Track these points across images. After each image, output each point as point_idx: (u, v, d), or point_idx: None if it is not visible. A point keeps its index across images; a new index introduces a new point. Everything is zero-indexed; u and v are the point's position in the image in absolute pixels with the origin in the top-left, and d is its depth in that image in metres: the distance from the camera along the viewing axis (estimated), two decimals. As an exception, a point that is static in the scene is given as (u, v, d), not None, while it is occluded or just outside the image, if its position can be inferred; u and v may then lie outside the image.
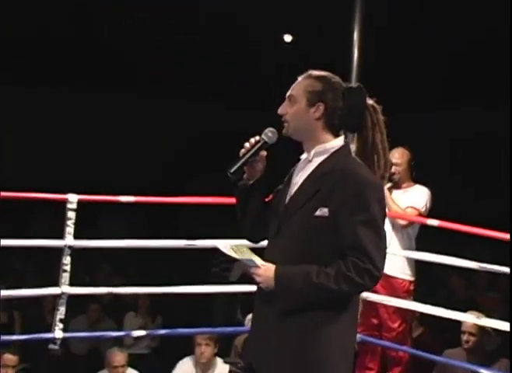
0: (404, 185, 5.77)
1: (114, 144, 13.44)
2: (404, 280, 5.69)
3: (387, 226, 5.65)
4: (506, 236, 4.87)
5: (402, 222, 5.63)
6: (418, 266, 5.77)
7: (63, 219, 5.01)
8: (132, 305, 7.97)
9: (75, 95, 13.13)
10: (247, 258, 2.89)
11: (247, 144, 2.96)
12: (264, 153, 2.98)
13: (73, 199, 5.01)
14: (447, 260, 5.22)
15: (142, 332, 5.86)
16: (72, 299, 5.15)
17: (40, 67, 12.09)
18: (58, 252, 5.04)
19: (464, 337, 5.52)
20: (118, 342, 7.12)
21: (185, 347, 6.70)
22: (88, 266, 9.04)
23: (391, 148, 5.64)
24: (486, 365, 5.33)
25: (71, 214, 5.01)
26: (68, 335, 5.27)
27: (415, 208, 5.67)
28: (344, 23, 6.37)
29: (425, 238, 5.83)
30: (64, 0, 10.87)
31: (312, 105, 2.88)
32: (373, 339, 5.69)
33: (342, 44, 6.39)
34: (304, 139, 2.94)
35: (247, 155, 2.95)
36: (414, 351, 5.65)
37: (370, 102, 2.94)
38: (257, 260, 2.88)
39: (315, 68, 2.99)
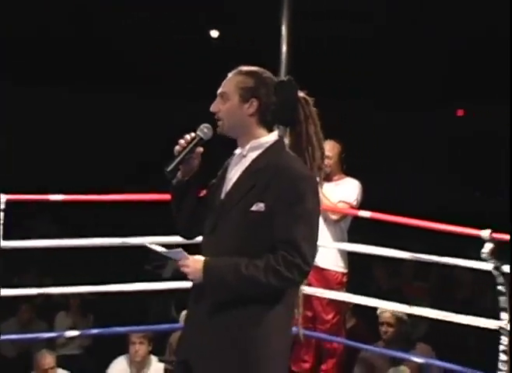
0: (335, 178, 5.79)
1: (113, 143, 13.29)
2: (336, 272, 5.72)
3: (319, 220, 5.67)
4: (439, 226, 4.94)
5: (334, 217, 5.65)
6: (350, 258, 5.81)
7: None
8: (63, 304, 7.86)
9: (74, 95, 12.96)
10: (174, 250, 2.86)
11: (181, 141, 2.93)
12: (200, 149, 2.95)
13: (1, 199, 4.90)
14: (377, 251, 5.26)
15: (74, 333, 5.78)
16: (2, 301, 5.05)
17: (39, 67, 11.88)
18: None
19: (383, 328, 5.59)
20: (50, 343, 7.02)
21: (119, 346, 6.64)
22: (16, 267, 8.86)
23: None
24: (405, 351, 5.44)
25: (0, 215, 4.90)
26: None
27: (346, 202, 5.70)
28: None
29: (360, 230, 5.88)
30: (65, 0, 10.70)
31: (245, 101, 2.88)
32: (308, 331, 5.71)
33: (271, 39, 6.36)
34: (239, 135, 2.93)
35: (184, 153, 2.91)
36: (348, 342, 5.69)
37: (302, 94, 2.95)
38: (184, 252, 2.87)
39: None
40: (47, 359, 5.99)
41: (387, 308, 5.41)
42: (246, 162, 2.90)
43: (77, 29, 11.30)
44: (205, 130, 2.94)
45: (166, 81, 12.66)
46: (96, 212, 9.17)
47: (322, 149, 2.94)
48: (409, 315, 5.51)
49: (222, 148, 3.09)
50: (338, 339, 5.68)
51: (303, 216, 2.76)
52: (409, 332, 5.83)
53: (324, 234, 5.65)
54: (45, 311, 7.92)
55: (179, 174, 2.97)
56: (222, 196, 2.91)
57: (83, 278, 7.46)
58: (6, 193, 4.93)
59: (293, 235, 2.74)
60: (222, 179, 2.97)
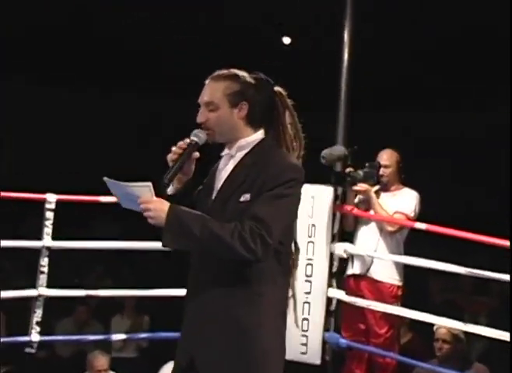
0: (392, 188, 5.66)
1: (116, 143, 13.36)
2: (391, 285, 5.57)
3: (375, 230, 5.55)
4: (498, 242, 4.78)
5: (390, 228, 5.52)
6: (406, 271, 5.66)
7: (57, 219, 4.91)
8: (119, 306, 7.86)
9: (73, 95, 13.07)
10: (141, 184, 2.74)
11: (174, 148, 2.88)
12: (196, 154, 2.91)
13: (51, 199, 4.92)
14: (434, 265, 5.12)
15: (122, 336, 5.76)
16: (60, 301, 5.07)
17: (40, 67, 12.03)
18: (52, 253, 4.93)
19: (438, 345, 5.41)
20: (105, 345, 7.02)
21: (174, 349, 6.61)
22: (78, 267, 8.95)
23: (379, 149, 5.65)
24: (460, 370, 5.27)
25: (50, 215, 4.93)
26: (45, 338, 5.18)
27: (403, 213, 5.55)
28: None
29: (415, 242, 5.73)
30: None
31: (235, 106, 2.87)
32: (360, 344, 5.58)
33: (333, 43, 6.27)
34: (229, 139, 2.91)
35: (181, 159, 2.86)
36: (401, 358, 5.53)
37: (277, 88, 2.95)
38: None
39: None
40: (101, 361, 5.98)
41: (441, 324, 5.23)
42: (235, 161, 2.90)
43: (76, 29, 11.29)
44: (199, 134, 2.88)
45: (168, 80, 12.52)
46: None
47: (300, 139, 2.93)
48: (466, 333, 5.32)
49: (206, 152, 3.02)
50: (391, 354, 5.53)
51: (276, 197, 2.74)
52: (466, 350, 5.62)
53: (379, 245, 5.54)
54: (102, 313, 7.92)
55: (174, 182, 2.91)
56: (214, 195, 2.89)
57: (140, 281, 7.50)
58: (57, 193, 4.95)
59: (262, 213, 2.72)
60: (213, 181, 2.94)
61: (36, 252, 5.40)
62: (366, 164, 5.53)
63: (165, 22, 11.26)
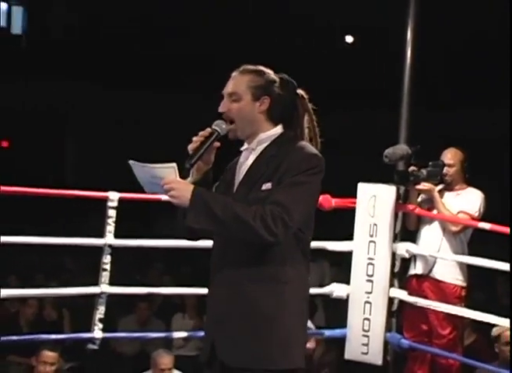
0: (456, 187, 5.57)
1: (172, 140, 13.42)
2: (455, 285, 5.49)
3: (438, 230, 5.48)
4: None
5: (454, 228, 5.43)
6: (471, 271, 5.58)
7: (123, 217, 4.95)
8: (180, 305, 7.89)
9: (135, 94, 13.16)
10: (166, 165, 2.79)
11: (196, 138, 2.94)
12: (217, 144, 2.97)
13: (114, 197, 4.96)
14: (498, 265, 5.04)
15: (183, 334, 5.78)
16: (123, 298, 5.09)
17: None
18: (115, 250, 4.97)
19: (507, 348, 5.29)
20: (166, 343, 7.05)
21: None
22: (140, 264, 9.02)
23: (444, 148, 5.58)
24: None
25: (112, 213, 4.97)
26: (108, 335, 5.21)
27: (467, 213, 5.46)
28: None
29: (481, 241, 5.65)
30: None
31: (257, 99, 2.94)
32: (423, 345, 5.52)
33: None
34: (249, 133, 2.97)
35: (204, 147, 2.90)
36: (464, 359, 5.45)
37: (299, 91, 3.02)
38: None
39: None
40: (165, 359, 6.01)
41: (506, 325, 5.13)
42: (255, 154, 2.96)
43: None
44: (221, 125, 2.94)
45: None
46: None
47: (317, 143, 2.99)
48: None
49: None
50: (454, 355, 5.45)
51: (298, 186, 2.81)
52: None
53: (442, 245, 5.47)
54: (163, 311, 7.96)
55: (193, 171, 2.97)
56: (235, 188, 2.94)
57: (199, 279, 7.50)
58: (119, 191, 4.99)
59: (282, 198, 2.79)
60: (233, 175, 2.99)
61: (98, 250, 5.47)
62: (430, 163, 5.46)
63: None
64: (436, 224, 5.51)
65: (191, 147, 2.92)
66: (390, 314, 5.49)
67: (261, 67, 2.99)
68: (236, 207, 2.77)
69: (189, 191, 2.80)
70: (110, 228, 4.96)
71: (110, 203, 4.95)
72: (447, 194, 5.55)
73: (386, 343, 5.47)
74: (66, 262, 9.37)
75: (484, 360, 5.44)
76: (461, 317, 5.44)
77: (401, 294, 5.49)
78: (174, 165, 2.81)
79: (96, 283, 5.04)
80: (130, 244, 5.12)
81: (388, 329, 5.49)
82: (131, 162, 2.87)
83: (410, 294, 5.50)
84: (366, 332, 5.46)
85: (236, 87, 2.95)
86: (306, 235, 2.91)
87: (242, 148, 3.03)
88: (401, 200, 5.51)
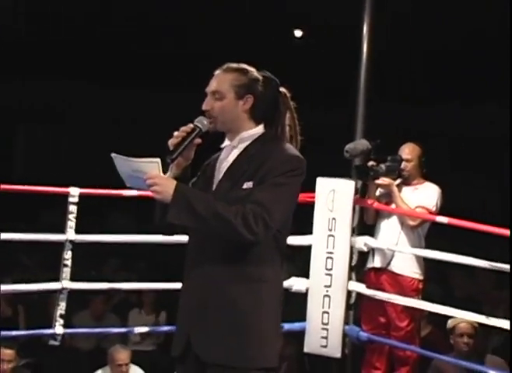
0: (414, 182, 5.66)
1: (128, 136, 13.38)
2: (412, 278, 5.57)
3: (396, 224, 5.56)
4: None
5: (412, 222, 5.52)
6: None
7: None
8: (136, 301, 7.88)
9: (81, 89, 13.09)
10: (150, 160, 2.79)
11: (177, 133, 2.94)
12: (198, 140, 2.97)
13: (75, 192, 4.95)
14: (455, 258, 5.13)
15: (145, 329, 5.78)
16: (76, 294, 5.09)
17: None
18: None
19: (464, 339, 5.41)
20: (123, 339, 7.04)
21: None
22: (94, 260, 8.96)
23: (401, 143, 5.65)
24: (479, 363, 5.30)
25: (73, 208, 4.95)
26: (68, 331, 5.20)
27: (424, 208, 5.55)
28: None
29: (433, 235, 5.74)
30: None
31: (240, 98, 2.94)
32: (381, 338, 5.59)
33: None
34: (230, 130, 2.98)
35: (185, 143, 2.91)
36: (421, 351, 5.55)
37: (282, 89, 3.03)
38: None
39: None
40: (122, 355, 6.01)
41: (463, 317, 5.24)
42: (237, 152, 2.97)
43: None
44: (203, 121, 2.95)
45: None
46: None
47: (297, 142, 3.00)
48: (481, 326, 5.34)
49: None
50: (412, 347, 5.54)
51: (278, 187, 2.82)
52: (483, 343, 5.64)
53: (400, 239, 5.55)
54: (119, 306, 7.94)
55: (173, 167, 2.97)
56: (214, 186, 2.96)
57: (157, 274, 7.50)
58: (79, 187, 4.97)
59: (263, 198, 2.80)
60: (212, 171, 3.00)
61: (51, 246, 5.43)
62: (388, 158, 5.53)
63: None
64: (394, 219, 5.59)
65: (171, 142, 2.92)
66: (348, 307, 5.56)
67: (245, 66, 3.00)
68: (217, 204, 2.78)
69: (172, 187, 2.80)
70: (71, 223, 4.95)
71: (71, 199, 4.94)
72: (404, 189, 5.63)
73: (344, 336, 5.54)
74: (22, 258, 9.27)
75: (439, 352, 5.54)
76: (419, 309, 5.53)
77: (359, 288, 5.56)
78: (158, 160, 2.81)
79: (52, 278, 5.04)
80: (91, 239, 5.11)
81: (346, 322, 5.57)
82: (113, 154, 2.87)
83: (368, 287, 5.57)
84: (325, 325, 5.52)
85: (219, 85, 2.95)
86: (283, 235, 2.93)
87: (222, 145, 3.03)
88: (360, 194, 5.57)
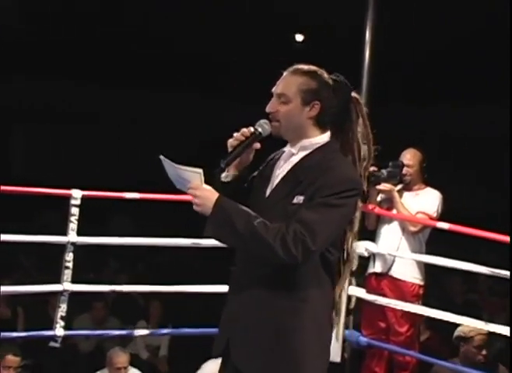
0: (415, 187, 5.67)
1: (128, 138, 13.38)
2: (413, 284, 5.59)
3: (397, 229, 5.57)
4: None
5: (413, 228, 5.53)
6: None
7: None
8: (143, 309, 7.86)
9: (83, 89, 13.09)
10: (194, 169, 2.72)
11: (237, 135, 2.86)
12: (257, 145, 2.88)
13: (77, 194, 4.95)
14: (456, 264, 5.14)
15: (145, 332, 5.78)
16: (77, 297, 5.09)
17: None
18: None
19: (482, 352, 5.32)
20: (124, 341, 7.03)
21: (190, 346, 6.63)
22: (93, 263, 8.96)
23: (403, 149, 5.66)
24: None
25: (75, 210, 4.95)
26: (69, 333, 5.20)
27: (425, 213, 5.57)
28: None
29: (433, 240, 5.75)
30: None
31: (307, 104, 2.82)
32: (380, 342, 5.60)
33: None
34: (294, 137, 2.87)
35: (242, 146, 2.83)
36: (421, 356, 5.55)
37: (354, 94, 2.91)
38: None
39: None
40: (121, 357, 6.00)
41: (463, 323, 5.24)
42: (295, 160, 2.85)
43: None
44: (265, 125, 2.85)
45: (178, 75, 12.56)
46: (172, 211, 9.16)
47: (370, 150, 2.89)
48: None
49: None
50: (411, 352, 5.55)
51: (328, 205, 2.70)
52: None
53: (401, 244, 5.56)
54: (120, 309, 7.93)
55: (229, 169, 2.91)
56: (268, 191, 2.86)
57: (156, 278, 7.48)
58: (82, 189, 4.98)
59: (309, 219, 2.68)
60: (269, 174, 2.90)
61: (55, 248, 5.43)
62: (390, 163, 5.54)
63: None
64: (395, 224, 5.61)
65: (230, 143, 2.84)
66: (348, 312, 5.56)
67: (315, 68, 2.86)
68: (258, 223, 2.68)
69: (212, 200, 2.71)
70: (73, 225, 4.94)
71: (73, 201, 4.93)
72: (405, 194, 5.64)
73: (344, 341, 5.55)
74: (22, 260, 9.26)
75: (438, 357, 5.54)
76: (419, 315, 5.55)
77: (359, 293, 5.57)
78: (201, 171, 2.72)
79: (51, 280, 5.05)
80: (93, 242, 5.11)
81: (346, 326, 5.57)
82: (161, 157, 2.79)
83: (369, 292, 5.58)
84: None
85: (286, 88, 2.82)
86: (333, 256, 2.82)
87: (284, 148, 2.92)
88: (361, 199, 5.57)
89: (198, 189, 2.73)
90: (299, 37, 13.18)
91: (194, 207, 2.74)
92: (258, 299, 2.78)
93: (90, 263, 8.76)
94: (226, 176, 2.92)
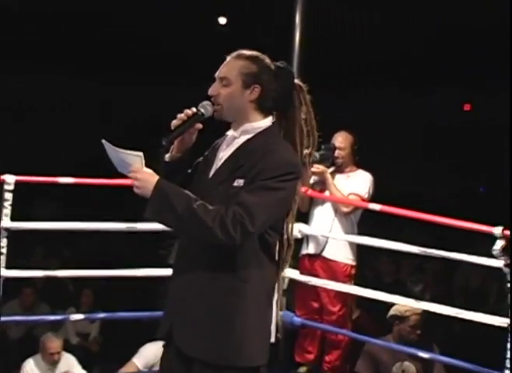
0: (347, 169, 5.76)
1: (55, 123, 13.23)
2: (345, 264, 5.69)
3: (330, 211, 5.66)
4: (443, 220, 4.93)
5: (345, 209, 5.62)
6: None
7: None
8: (74, 294, 7.82)
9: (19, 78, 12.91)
10: (134, 153, 2.77)
11: (180, 115, 2.90)
12: (199, 126, 2.93)
13: (10, 180, 4.89)
14: (387, 244, 5.24)
15: (79, 316, 5.76)
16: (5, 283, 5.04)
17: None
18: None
19: (416, 331, 5.43)
20: (54, 327, 7.00)
21: (120, 330, 6.65)
22: (22, 248, 8.83)
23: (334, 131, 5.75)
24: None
25: (8, 196, 4.90)
26: (2, 319, 5.15)
27: (357, 195, 5.67)
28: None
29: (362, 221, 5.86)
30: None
31: (247, 87, 2.87)
32: (314, 322, 5.69)
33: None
34: (235, 119, 2.92)
35: (184, 126, 2.88)
36: (353, 334, 5.66)
37: (297, 81, 2.95)
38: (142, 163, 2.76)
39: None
40: (54, 343, 6.00)
41: (394, 301, 5.35)
42: (237, 144, 2.90)
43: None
44: (207, 106, 2.90)
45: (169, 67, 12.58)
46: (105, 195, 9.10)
47: (315, 136, 2.94)
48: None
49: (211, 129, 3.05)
50: (344, 331, 5.66)
51: (267, 190, 2.75)
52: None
53: (334, 226, 5.65)
54: (49, 295, 7.87)
55: (172, 149, 2.95)
56: (211, 174, 2.91)
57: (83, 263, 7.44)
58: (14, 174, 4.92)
59: (248, 201, 2.73)
60: (212, 158, 2.95)
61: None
62: (322, 146, 5.61)
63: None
64: (328, 206, 5.69)
65: (173, 123, 2.87)
66: (281, 293, 5.62)
67: (257, 54, 2.92)
68: (198, 206, 2.72)
69: (152, 183, 2.75)
70: (7, 211, 4.89)
71: (6, 186, 4.88)
72: (337, 176, 5.73)
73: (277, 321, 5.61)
74: None
75: (369, 335, 5.65)
76: (351, 295, 5.65)
77: (293, 274, 5.64)
78: (141, 154, 2.76)
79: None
80: (27, 227, 5.07)
81: (280, 307, 5.64)
82: (103, 141, 2.82)
83: (302, 273, 5.65)
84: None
85: (227, 72, 2.88)
86: (272, 238, 2.87)
87: (227, 132, 2.97)
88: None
89: (138, 172, 2.77)
90: (222, 20, 13.20)
91: (135, 189, 2.78)
92: (199, 281, 2.82)
93: (18, 249, 8.67)
94: (168, 157, 2.95)
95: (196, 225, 2.72)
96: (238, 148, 2.89)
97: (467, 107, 13.94)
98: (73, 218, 5.33)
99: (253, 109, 2.89)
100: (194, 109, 2.90)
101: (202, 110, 2.89)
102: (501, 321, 4.62)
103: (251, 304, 2.82)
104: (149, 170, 2.79)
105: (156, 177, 2.77)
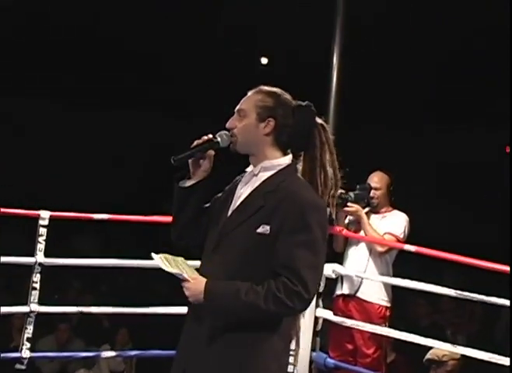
0: (382, 210, 5.72)
1: (87, 159, 13.32)
2: (380, 305, 5.62)
3: (365, 251, 5.61)
4: (481, 263, 4.87)
5: (380, 249, 5.57)
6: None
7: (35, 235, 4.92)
8: (109, 332, 7.80)
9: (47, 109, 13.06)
10: (175, 271, 2.80)
11: (197, 141, 2.92)
12: (212, 152, 2.91)
13: (45, 215, 4.93)
14: (423, 287, 5.17)
15: (112, 353, 5.75)
16: (41, 318, 5.05)
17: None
18: (29, 269, 4.94)
19: None
20: (87, 364, 6.99)
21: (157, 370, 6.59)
22: (58, 284, 8.88)
23: (370, 172, 5.72)
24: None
25: (43, 231, 4.93)
26: (35, 355, 5.15)
27: (393, 235, 5.62)
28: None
29: (401, 263, 5.79)
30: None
31: (262, 120, 2.87)
32: (348, 364, 5.61)
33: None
34: (252, 153, 2.91)
35: (196, 149, 2.90)
36: (388, 378, 5.58)
37: (319, 120, 2.93)
38: (189, 272, 2.81)
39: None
40: None
41: (430, 345, 5.26)
42: (256, 182, 2.88)
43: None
44: (224, 136, 2.91)
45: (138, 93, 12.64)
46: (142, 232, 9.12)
47: (337, 177, 2.90)
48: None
49: (230, 163, 3.04)
50: (378, 374, 5.57)
51: (307, 244, 2.73)
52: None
53: (369, 266, 5.60)
54: (84, 330, 7.87)
55: (193, 176, 2.94)
56: (229, 212, 2.88)
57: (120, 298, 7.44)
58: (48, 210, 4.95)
59: (296, 262, 2.71)
60: (231, 195, 2.93)
61: (17, 269, 5.37)
62: (357, 186, 5.59)
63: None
64: (362, 246, 5.65)
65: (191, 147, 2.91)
66: (315, 333, 5.57)
67: (277, 89, 2.93)
68: (247, 295, 2.71)
69: (201, 292, 2.76)
70: (41, 246, 4.92)
71: (41, 222, 4.91)
72: (373, 217, 5.69)
73: (311, 363, 5.55)
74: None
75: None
76: (385, 337, 5.57)
77: (326, 314, 5.58)
78: (181, 273, 2.80)
79: (17, 302, 5.00)
80: (61, 263, 5.08)
81: (313, 348, 5.58)
82: (153, 254, 2.88)
83: (336, 314, 5.59)
84: (292, 351, 5.51)
85: (244, 105, 2.90)
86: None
87: (247, 169, 2.95)
88: (329, 222, 5.60)
89: (186, 286, 2.80)
90: (264, 60, 13.31)
91: (190, 299, 2.81)
92: (215, 332, 2.78)
93: (53, 284, 8.70)
94: (184, 182, 2.95)
95: (252, 314, 2.72)
96: (257, 188, 2.86)
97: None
98: (111, 255, 5.34)
99: (269, 145, 2.88)
100: (211, 135, 2.92)
101: (218, 139, 2.91)
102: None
103: (271, 361, 2.78)
104: (194, 279, 2.79)
105: (203, 284, 2.77)
